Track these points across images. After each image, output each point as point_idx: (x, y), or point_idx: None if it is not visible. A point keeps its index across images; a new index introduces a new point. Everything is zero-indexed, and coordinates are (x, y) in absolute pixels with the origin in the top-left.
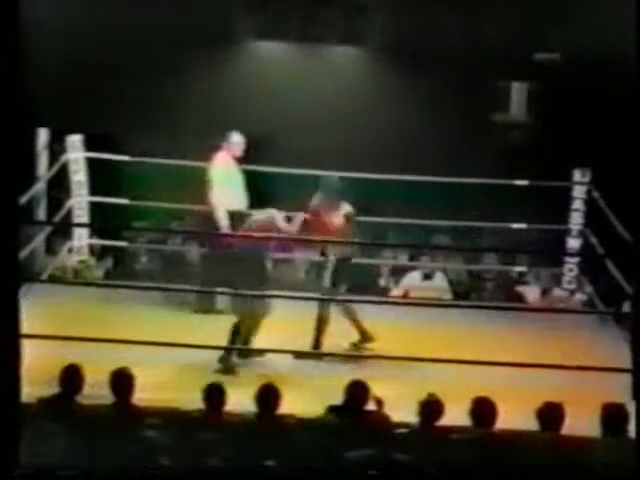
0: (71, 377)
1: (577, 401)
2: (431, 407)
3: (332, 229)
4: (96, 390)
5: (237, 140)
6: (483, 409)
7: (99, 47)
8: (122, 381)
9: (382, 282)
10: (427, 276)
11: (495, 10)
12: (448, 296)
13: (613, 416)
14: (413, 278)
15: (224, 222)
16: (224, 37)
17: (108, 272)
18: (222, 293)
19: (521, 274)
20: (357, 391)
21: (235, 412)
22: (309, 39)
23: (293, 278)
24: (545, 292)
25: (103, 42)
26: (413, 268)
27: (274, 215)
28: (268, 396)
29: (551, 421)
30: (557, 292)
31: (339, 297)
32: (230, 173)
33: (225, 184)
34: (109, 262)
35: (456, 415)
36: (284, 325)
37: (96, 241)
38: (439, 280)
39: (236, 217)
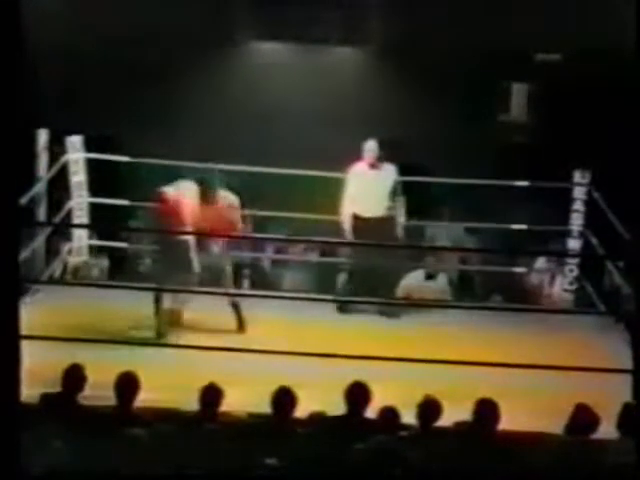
0: (73, 377)
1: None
2: (429, 408)
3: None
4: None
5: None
6: (486, 410)
7: (99, 48)
8: (127, 384)
9: None
10: (430, 276)
11: (495, 10)
12: (447, 297)
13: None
14: (415, 278)
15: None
16: (224, 38)
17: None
18: (232, 295)
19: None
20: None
21: (234, 412)
22: (309, 40)
23: None
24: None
25: (103, 43)
26: (414, 268)
27: None
28: (284, 399)
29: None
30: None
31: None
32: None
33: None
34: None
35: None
36: None
37: (97, 242)
38: (442, 280)
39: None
